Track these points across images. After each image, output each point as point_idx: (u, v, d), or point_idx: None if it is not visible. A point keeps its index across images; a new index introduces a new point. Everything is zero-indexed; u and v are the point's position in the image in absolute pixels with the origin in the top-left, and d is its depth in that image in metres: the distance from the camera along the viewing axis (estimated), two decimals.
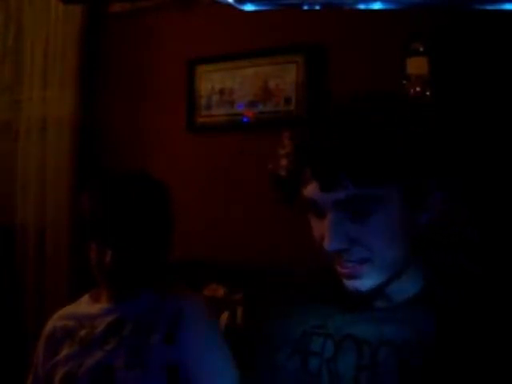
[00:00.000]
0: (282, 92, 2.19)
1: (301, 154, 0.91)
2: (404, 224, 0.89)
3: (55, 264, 2.53)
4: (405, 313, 0.90)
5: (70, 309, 1.39)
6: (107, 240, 1.26)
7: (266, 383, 0.98)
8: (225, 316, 1.84)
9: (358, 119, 0.87)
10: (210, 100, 2.34)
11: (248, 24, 2.18)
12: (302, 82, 2.15)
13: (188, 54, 2.39)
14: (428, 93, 1.80)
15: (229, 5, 1.17)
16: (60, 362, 1.30)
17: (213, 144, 2.35)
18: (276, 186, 0.96)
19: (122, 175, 1.36)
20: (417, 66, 1.82)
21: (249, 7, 1.16)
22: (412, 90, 1.81)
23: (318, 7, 1.22)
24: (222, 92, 2.32)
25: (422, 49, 1.82)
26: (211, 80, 2.34)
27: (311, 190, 0.89)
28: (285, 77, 2.19)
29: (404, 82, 1.83)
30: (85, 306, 1.37)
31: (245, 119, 2.26)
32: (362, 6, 1.14)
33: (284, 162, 0.93)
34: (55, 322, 1.37)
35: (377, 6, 1.10)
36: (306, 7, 1.21)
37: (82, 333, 1.31)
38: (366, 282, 0.89)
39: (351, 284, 0.90)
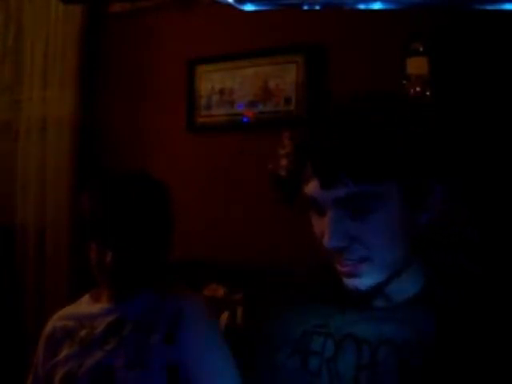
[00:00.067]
0: (282, 92, 2.19)
1: (301, 154, 0.91)
2: (404, 224, 0.89)
3: (55, 264, 2.53)
4: (405, 312, 0.90)
5: (70, 309, 1.39)
6: (107, 240, 1.26)
7: (265, 383, 0.98)
8: (225, 316, 1.84)
9: (357, 119, 0.87)
10: (210, 100, 2.34)
11: (248, 24, 2.19)
12: (302, 81, 2.15)
13: (188, 53, 2.39)
14: (428, 93, 1.80)
15: (229, 5, 1.17)
16: (60, 363, 1.29)
17: (213, 144, 2.35)
18: (276, 185, 0.96)
19: (122, 175, 1.36)
20: (417, 65, 1.82)
21: (249, 7, 1.16)
22: (412, 90, 1.81)
23: (318, 7, 1.22)
24: (221, 92, 2.32)
25: (421, 49, 1.82)
26: (211, 80, 2.34)
27: (312, 187, 0.89)
28: (285, 77, 2.19)
29: (404, 81, 1.83)
30: (85, 306, 1.37)
31: (245, 119, 2.26)
32: (362, 6, 1.14)
33: (284, 161, 0.94)
34: (55, 322, 1.36)
35: (377, 5, 1.10)
36: (305, 7, 1.21)
37: (82, 333, 1.31)
38: (365, 280, 0.89)
39: (351, 282, 0.90)
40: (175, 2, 2.40)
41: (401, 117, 0.89)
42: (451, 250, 1.06)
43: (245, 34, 2.26)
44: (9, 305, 2.55)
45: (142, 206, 1.29)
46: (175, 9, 2.40)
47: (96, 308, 1.34)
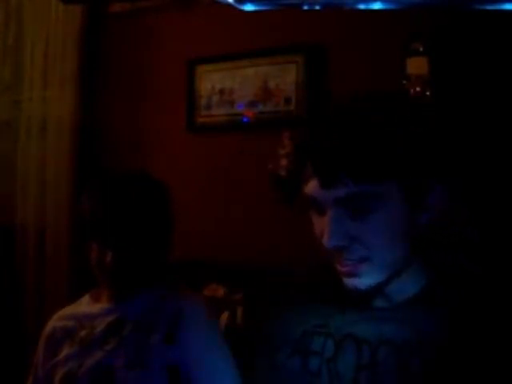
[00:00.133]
0: (282, 92, 2.19)
1: (301, 154, 0.91)
2: (404, 224, 0.89)
3: (55, 264, 2.53)
4: (405, 312, 0.90)
5: (70, 309, 1.39)
6: (107, 240, 1.26)
7: (265, 383, 0.98)
8: (225, 316, 1.84)
9: (358, 119, 0.87)
10: (210, 100, 2.34)
11: (248, 24, 2.19)
12: (302, 81, 2.15)
13: (188, 53, 2.40)
14: (428, 93, 1.80)
15: (229, 5, 1.17)
16: (60, 363, 1.29)
17: (213, 144, 2.35)
18: (276, 185, 0.97)
19: (122, 175, 1.36)
20: (417, 66, 1.82)
21: (249, 7, 1.16)
22: (412, 90, 1.81)
23: (318, 7, 1.22)
24: (222, 92, 2.32)
25: (421, 49, 1.82)
26: (211, 80, 2.34)
27: (312, 186, 0.89)
28: (285, 77, 2.19)
29: (404, 81, 1.83)
30: (85, 306, 1.37)
31: (245, 119, 2.26)
32: (362, 6, 1.14)
33: (284, 161, 0.94)
34: (55, 322, 1.36)
35: (377, 5, 1.10)
36: (306, 7, 1.21)
37: (82, 333, 1.31)
38: (365, 280, 0.89)
39: (350, 282, 0.90)
40: (175, 2, 2.40)
41: (401, 117, 0.89)
42: (451, 250, 1.06)
43: (245, 34, 2.26)
44: (9, 305, 2.55)
45: (142, 206, 1.29)
46: (175, 9, 2.40)
47: (96, 308, 1.34)
